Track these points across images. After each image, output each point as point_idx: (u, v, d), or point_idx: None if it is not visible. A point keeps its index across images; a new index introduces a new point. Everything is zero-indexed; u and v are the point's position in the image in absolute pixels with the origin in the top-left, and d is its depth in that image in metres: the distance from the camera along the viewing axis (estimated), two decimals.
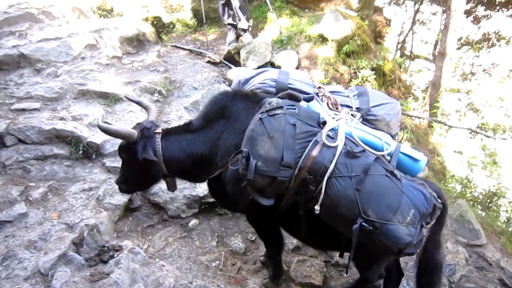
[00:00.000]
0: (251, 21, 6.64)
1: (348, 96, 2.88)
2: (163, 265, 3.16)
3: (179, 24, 7.52)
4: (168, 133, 2.72)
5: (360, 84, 6.12)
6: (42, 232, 3.14)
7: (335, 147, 2.17)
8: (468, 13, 12.41)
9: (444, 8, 12.43)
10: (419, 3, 13.71)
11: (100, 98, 4.76)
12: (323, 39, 6.45)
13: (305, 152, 2.16)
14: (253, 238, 3.78)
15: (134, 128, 2.71)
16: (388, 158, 2.30)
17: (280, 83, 2.79)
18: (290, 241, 3.64)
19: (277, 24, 6.89)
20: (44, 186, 3.65)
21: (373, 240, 2.12)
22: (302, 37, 6.59)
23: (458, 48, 12.81)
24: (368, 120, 2.77)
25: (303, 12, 7.52)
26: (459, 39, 12.67)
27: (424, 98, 9.62)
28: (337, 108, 2.72)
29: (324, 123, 2.29)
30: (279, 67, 5.83)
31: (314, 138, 2.19)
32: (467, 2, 10.78)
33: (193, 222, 3.83)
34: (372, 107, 2.80)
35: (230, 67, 6.11)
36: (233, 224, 3.91)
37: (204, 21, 6.98)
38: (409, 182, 2.19)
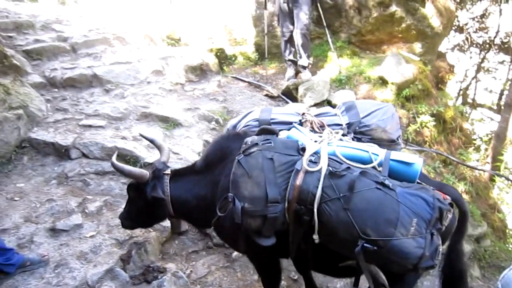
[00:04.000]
0: (311, 58, 6.75)
1: (336, 115, 2.80)
2: None
3: (241, 57, 7.80)
4: (176, 174, 2.70)
5: (418, 129, 5.96)
6: (94, 245, 3.26)
7: (319, 171, 2.07)
8: None
9: None
10: (485, 51, 13.27)
11: (161, 121, 4.98)
12: (383, 82, 6.40)
13: (289, 183, 2.08)
14: (295, 277, 3.68)
15: (147, 168, 2.75)
16: (380, 168, 2.16)
17: (262, 121, 2.74)
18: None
19: (337, 64, 6.94)
20: (100, 200, 3.81)
21: (383, 260, 1.98)
22: (361, 78, 6.58)
23: None
24: (362, 132, 2.67)
25: (364, 53, 7.53)
26: None
27: (486, 149, 9.16)
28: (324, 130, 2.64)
29: (304, 149, 2.21)
30: (335, 106, 5.83)
31: (295, 167, 2.12)
32: None
33: (237, 253, 3.81)
34: (363, 117, 2.70)
35: (287, 102, 6.19)
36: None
37: (266, 55, 7.20)
38: (404, 190, 2.02)
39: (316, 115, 2.79)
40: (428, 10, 7.33)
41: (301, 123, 2.69)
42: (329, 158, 2.15)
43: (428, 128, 6.25)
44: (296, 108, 2.97)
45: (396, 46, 7.55)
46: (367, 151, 2.22)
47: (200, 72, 6.68)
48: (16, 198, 3.73)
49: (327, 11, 7.12)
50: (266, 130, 2.37)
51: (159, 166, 2.71)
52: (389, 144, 2.71)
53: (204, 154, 2.75)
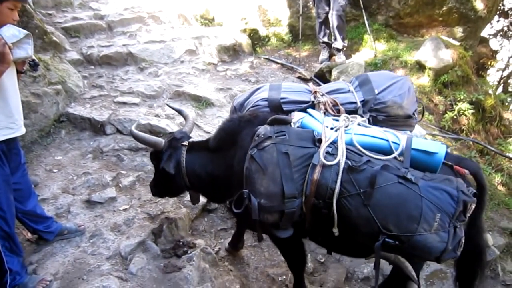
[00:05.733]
0: (346, 41, 6.59)
1: (349, 91, 2.66)
2: (231, 270, 3.21)
3: (274, 38, 7.72)
4: (192, 147, 2.67)
5: (455, 117, 5.77)
6: (127, 218, 3.35)
7: (337, 164, 2.01)
8: None
9: None
10: None
11: (193, 100, 5.03)
12: (420, 67, 6.21)
13: (306, 178, 2.04)
14: (322, 260, 3.69)
15: (164, 137, 2.75)
16: (401, 158, 2.07)
17: (272, 101, 2.65)
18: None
19: (372, 47, 6.75)
20: (133, 175, 3.89)
21: (405, 254, 1.99)
22: (397, 62, 6.40)
23: None
24: (378, 109, 2.56)
25: (401, 37, 7.30)
26: None
27: None
28: (338, 111, 2.53)
29: (320, 140, 2.14)
30: None
31: (312, 161, 2.06)
32: None
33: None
34: (378, 93, 2.57)
35: (319, 85, 6.08)
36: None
37: (300, 37, 7.09)
38: (427, 183, 1.94)
39: (328, 92, 2.68)
40: None
41: (313, 104, 2.60)
42: (347, 149, 2.08)
43: (466, 116, 6.03)
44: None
45: (435, 30, 7.28)
46: (387, 139, 2.14)
47: (233, 52, 6.67)
48: (55, 170, 3.88)
49: None
50: (279, 120, 2.26)
51: (177, 136, 2.69)
52: (405, 120, 2.61)
53: (215, 135, 2.67)
